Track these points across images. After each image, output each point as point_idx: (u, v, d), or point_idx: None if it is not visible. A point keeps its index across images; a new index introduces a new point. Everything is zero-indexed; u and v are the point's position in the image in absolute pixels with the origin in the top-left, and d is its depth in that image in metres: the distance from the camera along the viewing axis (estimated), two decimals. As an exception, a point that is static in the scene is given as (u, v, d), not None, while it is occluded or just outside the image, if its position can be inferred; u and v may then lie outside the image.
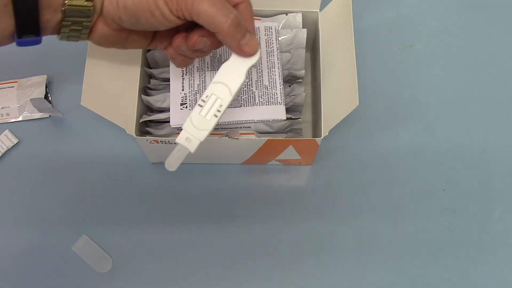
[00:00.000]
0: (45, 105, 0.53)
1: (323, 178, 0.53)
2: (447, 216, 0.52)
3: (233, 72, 0.37)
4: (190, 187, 0.52)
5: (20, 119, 0.55)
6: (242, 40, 0.36)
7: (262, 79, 0.47)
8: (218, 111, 0.37)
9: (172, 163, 0.38)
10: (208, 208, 0.52)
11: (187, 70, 0.47)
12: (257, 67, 0.48)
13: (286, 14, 0.51)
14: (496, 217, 0.52)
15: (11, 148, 0.53)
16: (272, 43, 0.48)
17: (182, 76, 0.47)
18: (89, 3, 0.34)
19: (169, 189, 0.52)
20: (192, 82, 0.47)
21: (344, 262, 0.50)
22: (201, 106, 0.37)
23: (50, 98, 0.56)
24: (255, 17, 0.50)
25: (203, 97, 0.37)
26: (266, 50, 0.48)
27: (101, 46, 0.38)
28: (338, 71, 0.47)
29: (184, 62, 0.41)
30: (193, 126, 0.37)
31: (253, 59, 0.37)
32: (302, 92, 0.51)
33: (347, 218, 0.51)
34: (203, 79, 0.47)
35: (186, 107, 0.46)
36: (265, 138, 0.46)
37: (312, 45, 0.55)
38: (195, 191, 0.52)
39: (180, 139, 0.37)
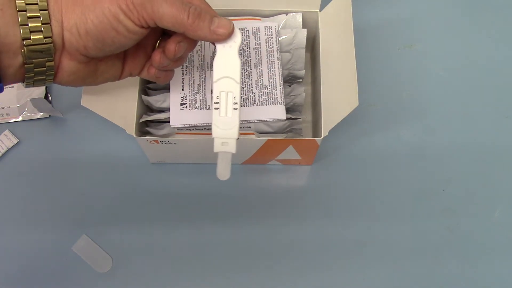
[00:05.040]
0: (45, 105, 0.53)
1: (323, 178, 0.53)
2: (447, 216, 0.52)
3: (226, 62, 0.36)
4: (190, 187, 0.52)
5: (20, 119, 0.55)
6: (212, 25, 0.35)
7: (262, 79, 0.47)
8: (235, 103, 0.36)
9: (222, 172, 0.37)
10: (208, 208, 0.52)
11: (187, 70, 0.47)
12: (257, 67, 0.48)
13: (286, 14, 0.51)
14: (496, 217, 0.52)
15: (11, 148, 0.53)
16: (272, 43, 0.48)
17: (182, 76, 0.47)
18: (48, 39, 0.32)
19: (169, 189, 0.53)
20: (192, 82, 0.47)
21: (344, 262, 0.50)
22: (217, 108, 0.36)
23: (50, 98, 0.56)
24: (255, 17, 0.51)
25: (214, 99, 0.36)
26: (266, 50, 0.48)
27: (70, 85, 0.36)
28: (338, 71, 0.47)
29: (169, 76, 0.41)
30: (221, 129, 0.36)
31: (237, 38, 0.36)
32: (302, 92, 0.51)
33: (347, 218, 0.51)
34: (203, 79, 0.47)
35: (186, 107, 0.46)
36: (265, 138, 0.46)
37: (312, 45, 0.55)
38: (195, 191, 0.52)
39: (217, 148, 0.37)
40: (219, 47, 0.37)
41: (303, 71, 0.51)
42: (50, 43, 0.32)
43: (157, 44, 0.39)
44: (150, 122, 0.50)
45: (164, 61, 0.38)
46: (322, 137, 0.46)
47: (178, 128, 0.48)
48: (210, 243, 0.50)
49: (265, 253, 0.50)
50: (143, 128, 0.50)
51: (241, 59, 0.36)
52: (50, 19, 0.32)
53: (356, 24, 0.47)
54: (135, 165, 0.53)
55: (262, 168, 0.54)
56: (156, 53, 0.38)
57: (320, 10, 0.51)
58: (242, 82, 0.47)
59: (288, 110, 0.50)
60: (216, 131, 0.37)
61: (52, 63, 0.33)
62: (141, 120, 0.48)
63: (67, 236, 0.50)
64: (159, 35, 0.39)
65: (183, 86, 0.47)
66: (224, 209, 0.52)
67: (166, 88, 0.49)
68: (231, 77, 0.36)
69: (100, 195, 0.52)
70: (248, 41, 0.48)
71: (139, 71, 0.40)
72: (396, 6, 0.61)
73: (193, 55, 0.48)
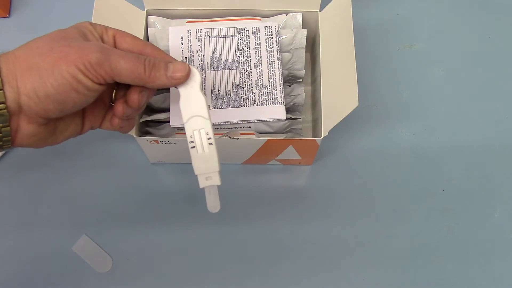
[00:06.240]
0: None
1: (323, 178, 0.53)
2: (447, 216, 0.52)
3: (191, 101, 0.37)
4: (190, 187, 0.52)
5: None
6: (168, 72, 0.36)
7: (262, 79, 0.47)
8: (209, 138, 0.37)
9: (212, 204, 0.39)
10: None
11: (187, 70, 0.47)
12: (257, 67, 0.48)
13: (286, 14, 0.51)
14: (496, 217, 0.52)
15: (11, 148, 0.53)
16: (272, 43, 0.48)
17: (182, 76, 0.47)
18: (2, 105, 0.32)
19: (169, 189, 0.53)
20: (192, 82, 0.47)
21: (344, 262, 0.50)
22: (194, 147, 0.37)
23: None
24: (255, 17, 0.51)
25: (188, 139, 0.37)
26: (266, 50, 0.48)
27: (31, 147, 0.36)
28: (338, 71, 0.47)
29: (131, 124, 0.41)
30: (202, 166, 0.37)
31: (196, 77, 0.37)
32: (302, 92, 0.51)
33: (347, 218, 0.51)
34: (203, 79, 0.47)
35: (186, 107, 0.46)
36: (265, 138, 0.46)
37: (312, 45, 0.55)
38: (195, 191, 0.52)
39: (202, 183, 0.38)
40: (181, 89, 0.37)
41: (303, 71, 0.51)
42: (4, 109, 0.32)
43: (114, 94, 0.39)
44: (150, 122, 0.50)
45: (128, 111, 0.38)
46: (322, 137, 0.46)
47: (178, 128, 0.48)
48: (210, 243, 0.50)
49: (265, 253, 0.50)
50: (143, 128, 0.50)
51: (204, 95, 0.37)
52: (3, 86, 0.32)
53: (356, 24, 0.47)
54: (135, 165, 0.53)
55: (262, 168, 0.54)
56: (118, 105, 0.38)
57: (320, 10, 0.51)
58: (242, 81, 0.47)
59: (288, 110, 0.50)
60: (197, 168, 0.38)
61: (8, 129, 0.33)
62: (141, 120, 0.48)
63: (67, 236, 0.50)
64: (114, 85, 0.39)
65: (183, 86, 0.47)
66: (224, 209, 0.52)
67: (166, 89, 0.49)
68: (200, 115, 0.37)
69: (100, 195, 0.52)
70: (248, 41, 0.49)
71: (99, 123, 0.40)
72: (396, 6, 0.61)
73: (193, 55, 0.48)
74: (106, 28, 0.37)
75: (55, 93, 0.32)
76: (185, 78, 0.37)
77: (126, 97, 0.37)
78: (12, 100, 0.32)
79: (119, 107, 0.38)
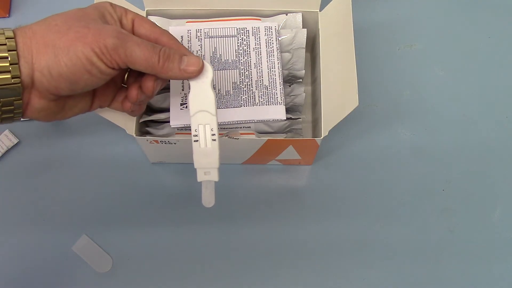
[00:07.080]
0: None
1: (323, 178, 0.53)
2: (447, 216, 0.52)
3: (200, 96, 0.37)
4: (190, 187, 0.52)
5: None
6: (182, 65, 0.36)
7: (262, 79, 0.47)
8: (213, 134, 0.37)
9: (208, 199, 0.39)
10: (208, 208, 0.52)
11: (187, 70, 0.47)
12: (257, 67, 0.48)
13: (286, 14, 0.51)
14: (496, 217, 0.52)
15: (11, 148, 0.53)
16: (272, 43, 0.48)
17: (182, 76, 0.47)
18: (16, 79, 0.32)
19: (169, 189, 0.53)
20: (192, 82, 0.47)
21: (344, 262, 0.50)
22: (197, 140, 0.37)
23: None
24: (255, 17, 0.51)
25: (193, 132, 0.37)
26: (266, 50, 0.48)
27: (40, 120, 0.37)
28: (338, 71, 0.47)
29: (142, 109, 0.42)
30: (202, 160, 0.38)
31: (208, 73, 0.37)
32: (302, 92, 0.51)
33: (347, 218, 0.51)
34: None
35: (186, 107, 0.46)
36: (265, 138, 0.46)
37: (312, 45, 0.55)
38: (195, 191, 0.52)
39: (200, 177, 0.38)
40: (192, 83, 0.38)
41: (303, 71, 0.51)
42: (18, 83, 0.32)
43: (125, 77, 0.40)
44: (150, 122, 0.50)
45: (141, 97, 0.38)
46: (322, 137, 0.46)
47: (178, 128, 0.48)
48: (210, 243, 0.50)
49: (265, 253, 0.50)
50: (143, 128, 0.50)
51: (215, 92, 0.38)
52: (18, 60, 0.32)
53: (356, 24, 0.47)
54: (135, 165, 0.53)
55: (262, 168, 0.54)
56: (133, 90, 0.38)
57: (320, 10, 0.51)
58: (242, 81, 0.47)
59: (288, 110, 0.50)
60: (197, 162, 0.38)
61: (20, 102, 0.33)
62: (141, 120, 0.48)
63: (67, 236, 0.50)
64: (127, 69, 0.39)
65: (183, 86, 0.47)
66: (224, 209, 0.52)
67: (166, 88, 0.49)
68: (207, 111, 0.37)
69: (100, 195, 0.52)
70: (248, 41, 0.49)
71: (109, 103, 0.40)
72: (396, 6, 0.61)
73: (193, 55, 0.48)
74: (126, 11, 0.37)
75: (68, 72, 0.33)
76: (198, 73, 0.37)
77: (141, 84, 0.38)
78: (26, 75, 0.32)
79: (133, 93, 0.38)
